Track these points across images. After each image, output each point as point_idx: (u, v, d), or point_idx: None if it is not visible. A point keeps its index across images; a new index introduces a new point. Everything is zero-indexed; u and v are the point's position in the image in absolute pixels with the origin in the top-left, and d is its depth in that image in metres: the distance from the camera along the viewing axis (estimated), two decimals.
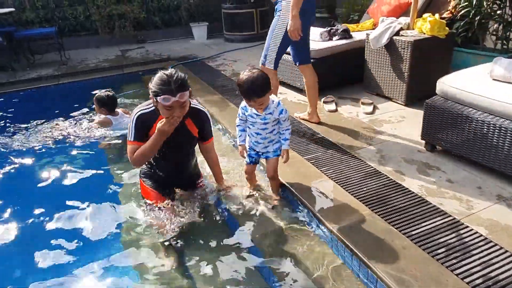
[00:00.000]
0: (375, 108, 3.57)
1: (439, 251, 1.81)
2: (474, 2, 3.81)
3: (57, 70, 5.79)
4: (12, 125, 3.96)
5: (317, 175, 2.53)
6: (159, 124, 2.04)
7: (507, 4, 3.80)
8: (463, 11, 3.95)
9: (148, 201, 2.33)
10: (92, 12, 7.08)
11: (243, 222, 2.31)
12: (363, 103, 3.62)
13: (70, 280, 1.97)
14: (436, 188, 2.33)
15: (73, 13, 7.09)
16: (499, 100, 2.24)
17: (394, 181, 2.41)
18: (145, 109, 2.13)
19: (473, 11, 3.88)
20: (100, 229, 2.31)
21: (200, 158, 2.56)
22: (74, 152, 3.34)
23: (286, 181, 2.46)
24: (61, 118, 4.00)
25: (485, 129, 2.31)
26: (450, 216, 2.06)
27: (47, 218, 2.45)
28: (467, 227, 1.97)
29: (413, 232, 1.95)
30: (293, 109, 3.66)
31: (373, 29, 3.94)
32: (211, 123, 2.39)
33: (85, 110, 4.22)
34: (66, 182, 2.89)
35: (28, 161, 3.23)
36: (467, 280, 1.64)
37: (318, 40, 4.00)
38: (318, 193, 2.33)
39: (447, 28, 3.50)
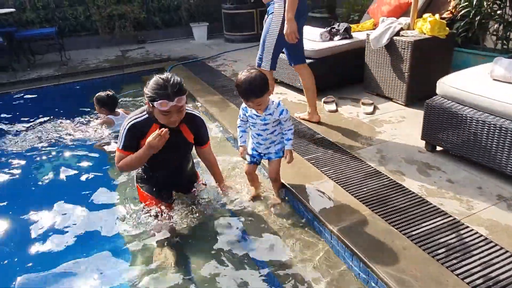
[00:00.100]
0: (375, 108, 3.57)
1: (440, 251, 1.82)
2: (474, 2, 3.81)
3: (57, 71, 5.79)
4: (12, 125, 3.96)
5: (317, 175, 2.53)
6: (150, 138, 2.00)
7: (507, 4, 3.80)
8: (463, 11, 3.95)
9: (146, 207, 2.29)
10: (92, 12, 7.08)
11: (243, 223, 2.32)
12: (363, 103, 3.62)
13: (69, 281, 1.97)
14: (436, 188, 2.33)
15: (73, 13, 7.09)
16: (499, 100, 2.24)
17: (395, 181, 2.41)
18: (138, 117, 2.09)
19: (473, 11, 3.88)
20: (98, 230, 2.30)
21: (198, 159, 2.55)
22: (75, 153, 3.34)
23: (286, 182, 2.46)
24: (64, 119, 4.01)
25: (486, 129, 2.31)
26: (450, 216, 2.06)
27: (46, 218, 2.45)
28: (467, 227, 1.97)
29: (414, 232, 1.95)
30: (294, 109, 3.66)
31: (374, 29, 3.94)
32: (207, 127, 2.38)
33: (86, 110, 4.22)
34: (66, 182, 2.89)
35: (27, 161, 3.23)
36: (468, 280, 1.65)
37: (318, 40, 4.00)
38: (319, 193, 2.33)
39: (447, 28, 3.50)
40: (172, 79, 1.94)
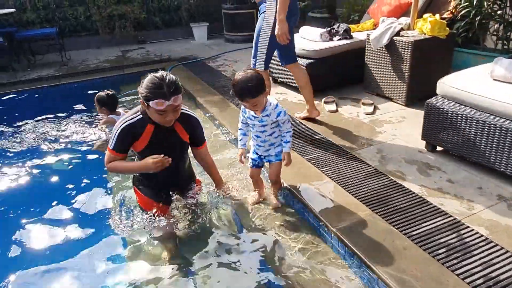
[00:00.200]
0: (375, 108, 3.57)
1: (440, 251, 1.82)
2: (474, 2, 3.81)
3: (57, 71, 5.80)
4: (12, 126, 3.96)
5: (317, 175, 2.53)
6: (150, 159, 2.01)
7: (508, 4, 3.80)
8: (463, 11, 3.95)
9: (144, 209, 2.27)
10: (92, 12, 7.09)
11: (242, 224, 2.32)
12: (363, 104, 3.62)
13: (67, 282, 1.98)
14: (437, 188, 2.33)
15: (73, 13, 7.09)
16: (499, 100, 2.24)
17: (395, 181, 2.41)
18: (132, 118, 2.04)
19: (473, 11, 3.88)
20: (97, 231, 2.30)
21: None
22: (74, 153, 3.34)
23: (286, 182, 2.46)
24: (64, 119, 4.01)
25: (486, 130, 2.31)
26: (450, 216, 2.06)
27: (45, 218, 2.46)
28: (467, 227, 1.97)
29: (414, 232, 1.95)
30: (294, 109, 3.66)
31: (374, 29, 3.94)
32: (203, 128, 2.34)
33: (86, 110, 4.23)
34: (65, 182, 2.88)
35: (27, 161, 3.22)
36: (468, 280, 1.65)
37: (318, 40, 4.00)
38: (319, 193, 2.33)
39: (447, 28, 3.50)
40: (167, 78, 1.91)
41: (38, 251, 2.21)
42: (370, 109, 3.51)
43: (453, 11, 4.07)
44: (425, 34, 3.47)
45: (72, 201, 2.62)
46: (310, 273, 1.91)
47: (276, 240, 2.15)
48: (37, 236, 2.33)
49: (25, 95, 5.07)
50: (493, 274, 1.67)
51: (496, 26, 3.99)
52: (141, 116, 2.04)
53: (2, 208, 2.63)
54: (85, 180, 2.89)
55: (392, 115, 3.42)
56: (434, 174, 2.48)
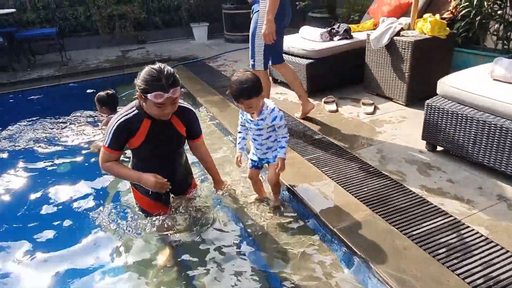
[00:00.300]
0: (375, 108, 3.57)
1: (440, 251, 1.82)
2: (474, 2, 3.81)
3: (58, 71, 5.80)
4: (11, 126, 3.96)
5: (317, 175, 2.53)
6: (153, 178, 2.00)
7: (508, 4, 3.80)
8: (463, 11, 3.95)
9: (144, 209, 2.26)
10: (92, 12, 7.09)
11: (242, 224, 2.31)
12: (363, 104, 3.62)
13: (66, 282, 1.98)
14: (437, 188, 2.33)
15: (73, 13, 7.10)
16: (500, 100, 2.24)
17: (395, 181, 2.41)
18: (128, 114, 1.99)
19: (473, 11, 3.88)
20: (96, 232, 2.29)
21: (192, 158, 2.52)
22: (73, 153, 3.34)
23: (287, 182, 2.46)
24: (64, 119, 4.01)
25: (486, 130, 2.31)
26: (451, 216, 2.06)
27: (43, 219, 2.46)
28: (468, 227, 1.97)
29: (414, 232, 1.95)
30: (294, 109, 3.66)
31: (374, 29, 3.94)
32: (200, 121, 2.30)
33: (86, 110, 4.23)
34: (64, 183, 2.88)
35: (26, 162, 3.22)
36: (468, 280, 1.65)
37: (318, 40, 4.00)
38: (319, 193, 2.33)
39: (447, 28, 3.50)
40: (165, 70, 1.86)
41: (35, 252, 2.20)
42: (370, 109, 3.51)
43: (453, 11, 4.07)
44: (425, 34, 3.47)
45: (71, 201, 2.62)
46: (310, 273, 1.91)
47: (276, 240, 2.15)
48: (34, 236, 2.32)
49: (25, 95, 5.07)
50: (494, 274, 1.67)
51: (496, 26, 3.99)
52: (137, 111, 1.98)
53: (1, 208, 2.63)
54: (84, 180, 2.88)
55: (392, 115, 3.42)
56: (434, 174, 2.48)
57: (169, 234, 2.19)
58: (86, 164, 3.15)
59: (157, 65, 1.89)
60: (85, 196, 2.66)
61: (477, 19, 3.89)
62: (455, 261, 1.75)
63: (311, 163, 2.69)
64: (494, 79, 2.45)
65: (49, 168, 3.11)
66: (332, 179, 2.47)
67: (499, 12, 3.88)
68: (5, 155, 3.36)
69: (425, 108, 2.66)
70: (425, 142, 2.78)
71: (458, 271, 1.69)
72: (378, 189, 2.33)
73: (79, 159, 3.25)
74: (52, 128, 3.81)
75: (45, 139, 3.58)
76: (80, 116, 4.09)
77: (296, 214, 2.34)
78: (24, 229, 2.41)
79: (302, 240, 2.13)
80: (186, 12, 7.71)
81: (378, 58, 3.71)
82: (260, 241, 2.16)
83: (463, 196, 2.24)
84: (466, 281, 1.64)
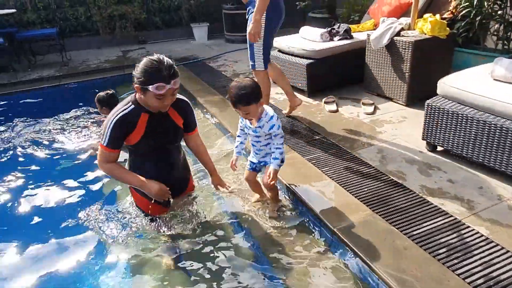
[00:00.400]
0: (376, 108, 3.57)
1: (440, 251, 1.82)
2: (475, 3, 3.81)
3: (58, 71, 5.80)
4: (12, 126, 3.96)
5: (318, 175, 2.54)
6: (157, 185, 2.01)
7: (508, 4, 3.80)
8: (464, 11, 3.95)
9: (143, 211, 2.24)
10: (93, 12, 7.10)
11: (242, 224, 2.31)
12: (364, 104, 3.62)
13: (66, 283, 1.98)
14: (437, 188, 2.33)
15: (74, 14, 7.10)
16: (500, 100, 2.24)
17: (395, 181, 2.41)
18: (125, 109, 1.94)
19: (474, 11, 3.87)
20: (96, 233, 2.29)
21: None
22: (73, 154, 3.35)
23: (287, 182, 2.46)
24: (64, 119, 4.01)
25: (486, 130, 2.31)
26: (451, 216, 2.06)
27: (43, 219, 2.47)
28: (468, 227, 1.97)
29: (414, 232, 1.95)
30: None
31: (374, 29, 3.94)
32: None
33: (86, 111, 4.24)
34: (63, 183, 2.89)
35: (26, 162, 3.23)
36: (468, 280, 1.65)
37: (318, 40, 4.00)
38: (319, 193, 2.33)
39: (448, 28, 3.50)
40: (165, 61, 1.83)
41: (35, 252, 2.20)
42: (371, 109, 3.51)
43: (454, 11, 4.07)
44: (425, 34, 3.47)
45: (71, 202, 2.62)
46: (310, 273, 1.91)
47: (276, 240, 2.15)
48: (34, 237, 2.32)
49: (26, 95, 5.07)
50: (494, 274, 1.67)
51: (496, 26, 3.99)
52: (133, 106, 1.95)
53: (2, 207, 2.63)
54: (84, 181, 2.89)
55: (392, 115, 3.42)
56: (434, 174, 2.48)
57: (169, 235, 2.19)
58: (86, 164, 3.15)
59: (156, 56, 1.85)
60: (85, 197, 2.67)
61: (477, 19, 3.89)
62: (455, 261, 1.75)
63: (312, 163, 2.69)
64: (494, 79, 2.45)
65: (49, 169, 3.11)
66: (332, 179, 2.47)
67: (499, 12, 3.88)
68: (5, 155, 3.36)
69: (426, 108, 2.66)
70: (425, 142, 2.78)
71: (459, 271, 1.69)
72: (378, 189, 2.33)
73: (79, 159, 3.25)
74: (52, 129, 3.81)
75: (46, 140, 3.59)
76: (80, 116, 4.10)
77: (296, 214, 2.34)
78: (24, 229, 2.41)
79: (302, 240, 2.13)
80: (187, 12, 7.71)
81: (378, 58, 3.71)
82: (260, 241, 2.16)
83: (463, 196, 2.24)
84: (466, 281, 1.64)
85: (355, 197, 2.27)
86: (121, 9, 7.08)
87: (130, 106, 1.96)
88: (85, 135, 3.61)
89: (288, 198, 2.47)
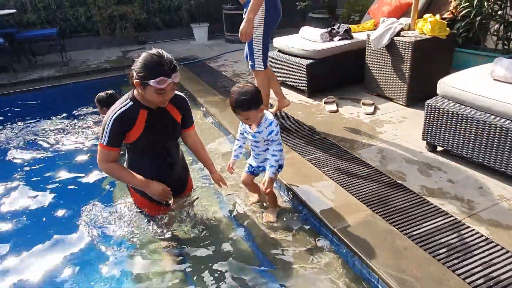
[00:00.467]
0: (376, 108, 3.57)
1: (441, 251, 1.82)
2: (475, 3, 3.81)
3: (58, 71, 5.80)
4: (12, 126, 3.97)
5: (318, 175, 2.54)
6: (161, 186, 2.01)
7: (508, 5, 3.80)
8: (464, 12, 3.95)
9: (143, 211, 2.24)
10: (93, 13, 7.10)
11: (241, 225, 2.31)
12: (364, 104, 3.62)
13: (66, 283, 1.98)
14: (437, 188, 2.33)
15: (74, 14, 7.10)
16: (500, 100, 2.24)
17: (395, 181, 2.41)
18: (122, 107, 1.91)
19: (474, 12, 3.88)
20: (96, 234, 2.29)
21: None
22: (73, 154, 3.35)
23: (287, 182, 2.46)
24: (64, 120, 4.01)
25: (486, 130, 2.31)
26: (451, 216, 2.06)
27: (43, 220, 2.47)
28: (468, 227, 1.97)
29: (414, 233, 1.95)
30: (294, 109, 3.66)
31: (374, 29, 3.94)
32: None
33: (86, 111, 4.24)
34: (63, 184, 2.89)
35: (25, 163, 3.23)
36: (469, 280, 1.65)
37: (318, 40, 4.01)
38: (319, 193, 2.33)
39: (448, 28, 3.50)
40: (165, 55, 1.81)
41: (34, 253, 2.21)
42: (371, 109, 3.51)
43: (454, 11, 4.07)
44: (425, 34, 3.47)
45: (71, 202, 2.62)
46: (310, 273, 1.91)
47: (276, 240, 2.15)
48: (34, 237, 2.32)
49: (26, 95, 5.07)
50: (494, 274, 1.67)
51: (496, 26, 3.99)
52: (131, 102, 1.92)
53: (3, 207, 2.63)
54: (82, 182, 2.89)
55: (392, 115, 3.42)
56: (434, 174, 2.48)
57: (168, 236, 2.19)
58: (86, 164, 3.15)
59: (155, 50, 1.83)
60: (85, 197, 2.66)
61: (477, 19, 3.89)
62: (455, 261, 1.75)
63: (312, 163, 2.69)
64: (494, 79, 2.45)
65: (49, 169, 3.11)
66: (332, 179, 2.47)
67: (499, 12, 3.88)
68: (5, 156, 3.36)
69: (426, 108, 2.66)
70: (425, 142, 2.78)
71: (459, 271, 1.69)
72: (378, 189, 2.33)
73: (79, 159, 3.25)
74: (52, 129, 3.81)
75: (46, 140, 3.59)
76: (80, 116, 4.10)
77: (296, 214, 2.34)
78: (23, 229, 2.41)
79: (302, 239, 2.13)
80: (187, 13, 7.71)
81: (379, 58, 3.71)
82: (259, 241, 2.16)
83: (464, 196, 2.24)
84: (466, 281, 1.64)
85: (355, 197, 2.27)
86: (121, 9, 7.09)
87: (129, 103, 1.93)
88: (87, 135, 3.61)
89: (288, 198, 2.47)
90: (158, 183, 2.04)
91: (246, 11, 3.00)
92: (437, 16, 3.49)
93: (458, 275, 1.68)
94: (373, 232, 1.97)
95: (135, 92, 1.95)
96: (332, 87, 4.07)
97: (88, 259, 2.12)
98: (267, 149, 2.16)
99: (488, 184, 2.34)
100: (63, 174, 3.02)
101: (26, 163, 3.22)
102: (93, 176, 2.93)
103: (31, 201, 2.69)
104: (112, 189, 2.75)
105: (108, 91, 3.62)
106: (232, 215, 2.40)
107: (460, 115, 2.44)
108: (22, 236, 2.35)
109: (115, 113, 1.90)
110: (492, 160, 2.33)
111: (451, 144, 2.55)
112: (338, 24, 4.23)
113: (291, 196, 2.42)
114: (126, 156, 2.14)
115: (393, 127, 3.18)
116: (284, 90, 4.26)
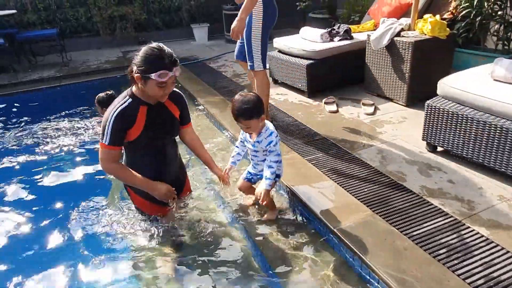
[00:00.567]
0: (376, 109, 3.57)
1: (441, 251, 1.81)
2: (475, 3, 3.82)
3: (58, 72, 5.81)
4: (12, 127, 3.97)
5: (318, 176, 2.54)
6: (163, 187, 2.01)
7: (508, 5, 3.80)
8: (464, 12, 3.95)
9: (143, 211, 2.24)
10: (93, 13, 7.11)
11: (241, 225, 2.31)
12: (364, 104, 3.62)
13: (67, 283, 1.98)
14: (437, 188, 2.33)
15: (74, 14, 7.11)
16: (500, 100, 2.24)
17: (395, 181, 2.41)
18: (122, 104, 1.89)
19: (474, 12, 3.88)
20: (96, 234, 2.29)
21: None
22: (73, 155, 3.35)
23: (287, 182, 2.46)
24: (64, 120, 4.01)
25: (486, 130, 2.31)
26: (451, 216, 2.06)
27: (43, 221, 2.46)
28: (468, 227, 1.97)
29: (414, 233, 1.95)
30: (294, 110, 3.66)
31: (374, 30, 3.94)
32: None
33: (87, 111, 4.24)
34: (63, 184, 2.89)
35: (26, 163, 3.23)
36: (469, 280, 1.64)
37: (318, 41, 4.01)
38: (319, 194, 2.33)
39: (448, 29, 3.50)
40: (165, 48, 1.82)
41: (35, 253, 2.21)
42: (371, 109, 3.51)
43: (454, 11, 4.07)
44: (425, 34, 3.47)
45: (72, 203, 2.62)
46: (310, 273, 1.91)
47: (276, 241, 2.15)
48: (34, 238, 2.33)
49: (26, 96, 5.08)
50: (494, 274, 1.67)
51: (496, 26, 3.99)
52: (131, 99, 1.91)
53: (3, 207, 2.63)
54: (82, 183, 2.89)
55: (392, 116, 3.42)
56: (434, 174, 2.48)
57: (167, 237, 2.19)
58: (87, 165, 3.15)
59: (155, 44, 1.83)
60: (85, 197, 2.66)
61: (477, 19, 3.89)
62: (455, 261, 1.75)
63: (312, 163, 2.69)
64: (494, 80, 2.45)
65: (49, 170, 3.11)
66: (333, 180, 2.47)
67: (499, 12, 3.88)
68: (5, 156, 3.36)
69: (426, 109, 2.66)
70: (425, 142, 2.78)
71: (459, 272, 1.69)
72: (378, 190, 2.33)
73: (80, 159, 3.25)
74: (53, 129, 3.81)
75: (46, 140, 3.59)
76: (81, 116, 4.10)
77: (296, 214, 2.34)
78: (23, 229, 2.41)
79: (302, 240, 2.13)
80: (187, 13, 7.72)
81: (379, 58, 3.71)
82: (260, 242, 2.16)
83: (464, 196, 2.24)
84: (466, 281, 1.64)
85: (355, 197, 2.27)
86: (121, 10, 7.09)
87: (128, 99, 1.92)
88: (89, 135, 3.61)
89: (288, 198, 2.47)
90: (162, 184, 2.04)
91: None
92: (437, 17, 3.49)
93: (458, 275, 1.67)
94: (373, 233, 1.97)
95: (133, 88, 1.95)
96: (332, 87, 4.08)
97: (86, 259, 2.12)
98: (266, 159, 2.16)
99: (488, 184, 2.34)
100: (63, 175, 3.02)
101: (26, 164, 3.22)
102: (93, 177, 2.93)
103: (31, 202, 2.69)
104: (112, 189, 2.75)
105: (108, 92, 3.63)
106: (231, 216, 2.40)
107: (460, 116, 2.44)
108: (20, 238, 2.35)
109: (115, 111, 1.88)
110: (492, 161, 2.33)
111: (451, 144, 2.55)
112: (338, 25, 4.23)
113: (291, 196, 2.42)
114: (124, 155, 2.14)
115: (393, 128, 3.18)
116: (284, 90, 4.28)
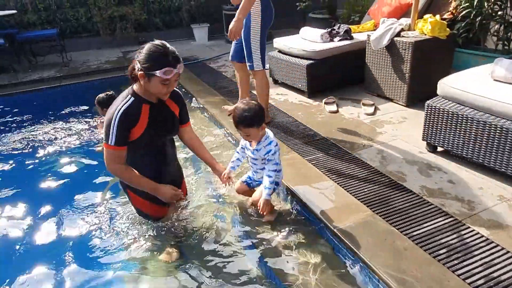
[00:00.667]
0: (376, 109, 3.57)
1: (441, 251, 1.81)
2: (475, 3, 3.82)
3: (58, 72, 5.81)
4: (13, 127, 3.97)
5: (318, 176, 2.54)
6: (171, 189, 2.02)
7: (508, 5, 3.80)
8: (464, 12, 3.95)
9: (143, 212, 2.23)
10: (93, 13, 7.11)
11: (241, 226, 2.31)
12: (364, 104, 3.62)
13: (67, 283, 1.98)
14: (437, 188, 2.33)
15: (74, 14, 7.11)
16: (500, 100, 2.24)
17: (396, 182, 2.41)
18: (125, 103, 1.88)
19: (474, 12, 3.88)
20: (97, 234, 2.29)
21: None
22: (73, 155, 3.35)
23: (287, 182, 2.46)
24: (64, 120, 4.02)
25: (486, 130, 2.31)
26: (451, 216, 2.06)
27: (44, 221, 2.46)
28: (468, 227, 1.97)
29: (415, 233, 1.95)
30: (294, 110, 3.67)
31: (374, 30, 3.94)
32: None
33: (87, 111, 4.24)
34: (63, 185, 2.89)
35: (26, 163, 3.23)
36: (469, 281, 1.64)
37: (318, 41, 4.01)
38: (319, 194, 2.33)
39: (448, 29, 3.50)
40: (168, 46, 1.82)
41: (35, 253, 2.21)
42: (371, 109, 3.51)
43: (454, 11, 4.07)
44: (425, 34, 3.47)
45: (72, 203, 2.62)
46: (310, 273, 1.91)
47: (276, 241, 2.15)
48: (34, 238, 2.33)
49: (26, 96, 5.08)
50: (494, 275, 1.67)
51: (496, 26, 3.99)
52: (133, 98, 1.90)
53: (1, 210, 2.63)
54: (82, 183, 2.88)
55: (392, 116, 3.42)
56: (434, 174, 2.48)
57: (167, 238, 2.19)
58: (88, 165, 3.15)
59: (158, 42, 1.84)
60: (84, 197, 2.66)
61: (477, 19, 3.89)
62: (455, 261, 1.75)
63: (312, 163, 2.69)
64: (494, 80, 2.45)
65: (50, 170, 3.11)
66: (333, 180, 2.47)
67: (499, 12, 3.88)
68: (5, 156, 3.36)
69: (426, 109, 2.66)
70: (425, 142, 2.78)
71: (459, 272, 1.69)
72: (378, 190, 2.33)
73: (80, 160, 3.25)
74: (53, 130, 3.81)
75: (46, 141, 3.59)
76: (81, 117, 4.10)
77: (296, 215, 2.34)
78: (23, 229, 2.41)
79: (302, 240, 2.13)
80: (187, 13, 7.72)
81: (379, 58, 3.71)
82: (260, 242, 2.16)
83: (464, 196, 2.24)
84: (466, 281, 1.64)
85: (355, 197, 2.27)
86: (121, 10, 7.09)
87: (130, 98, 1.91)
88: (90, 136, 3.61)
89: (288, 198, 2.47)
90: (168, 186, 2.05)
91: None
92: (437, 17, 3.49)
93: (458, 275, 1.67)
94: (373, 233, 1.97)
95: (134, 87, 1.94)
96: (332, 87, 4.08)
97: (86, 259, 2.12)
98: (264, 168, 2.18)
99: (488, 184, 2.34)
100: (63, 175, 3.02)
101: (26, 164, 3.22)
102: (93, 177, 2.93)
103: (30, 203, 2.68)
104: (112, 189, 2.75)
105: (108, 92, 3.63)
106: (230, 218, 2.39)
107: (460, 116, 2.44)
108: (17, 237, 2.35)
109: (119, 111, 1.86)
110: (492, 161, 2.33)
111: (451, 144, 2.55)
112: (338, 25, 4.23)
113: (291, 196, 2.42)
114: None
115: (393, 128, 3.18)
116: (284, 90, 4.27)
